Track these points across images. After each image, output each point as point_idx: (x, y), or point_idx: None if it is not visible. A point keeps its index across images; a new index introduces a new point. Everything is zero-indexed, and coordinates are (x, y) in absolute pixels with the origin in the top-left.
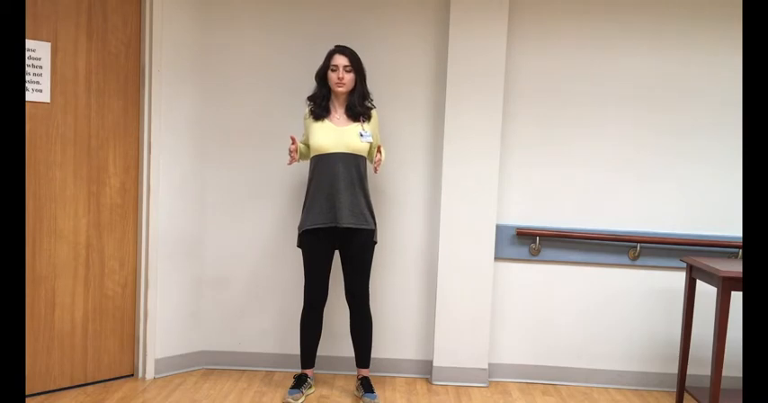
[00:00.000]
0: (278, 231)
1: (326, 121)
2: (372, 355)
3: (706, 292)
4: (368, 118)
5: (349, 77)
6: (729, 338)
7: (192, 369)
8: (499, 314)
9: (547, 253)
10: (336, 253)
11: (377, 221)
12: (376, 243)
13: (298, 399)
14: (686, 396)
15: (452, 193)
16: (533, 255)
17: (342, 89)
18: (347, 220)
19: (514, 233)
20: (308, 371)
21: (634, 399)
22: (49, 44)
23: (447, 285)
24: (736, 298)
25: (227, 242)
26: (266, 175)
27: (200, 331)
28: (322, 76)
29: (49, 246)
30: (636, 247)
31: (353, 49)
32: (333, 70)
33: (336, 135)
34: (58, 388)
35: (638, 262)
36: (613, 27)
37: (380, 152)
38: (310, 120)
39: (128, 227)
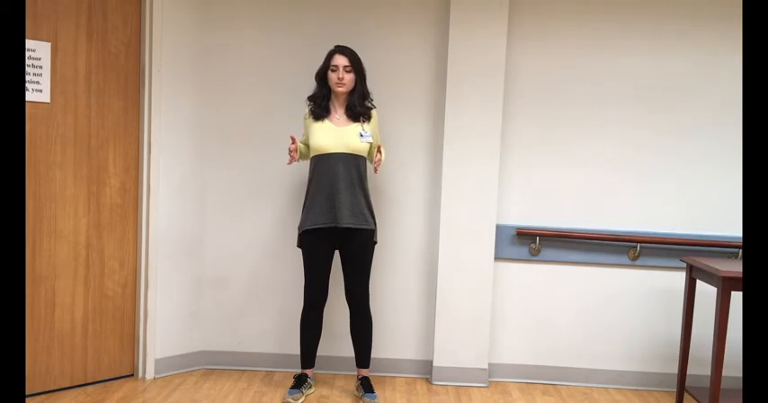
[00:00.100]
0: (278, 231)
1: (326, 121)
2: (372, 355)
3: (706, 292)
4: (368, 118)
5: (349, 77)
6: (729, 338)
7: (192, 369)
8: (499, 314)
9: (547, 253)
10: (336, 253)
11: (377, 221)
12: (376, 243)
13: (298, 399)
14: (686, 396)
15: (452, 193)
16: (533, 255)
17: (342, 89)
18: (347, 220)
19: (514, 233)
20: (308, 371)
21: (634, 399)
22: (49, 44)
23: (447, 285)
24: (736, 298)
25: (227, 242)
26: (266, 175)
27: (200, 331)
28: (322, 76)
29: (49, 246)
30: (636, 247)
31: (353, 49)
32: (333, 70)
33: (336, 135)
34: (58, 388)
35: (638, 262)
36: (613, 27)
37: (380, 152)
38: (310, 120)
39: (128, 227)
